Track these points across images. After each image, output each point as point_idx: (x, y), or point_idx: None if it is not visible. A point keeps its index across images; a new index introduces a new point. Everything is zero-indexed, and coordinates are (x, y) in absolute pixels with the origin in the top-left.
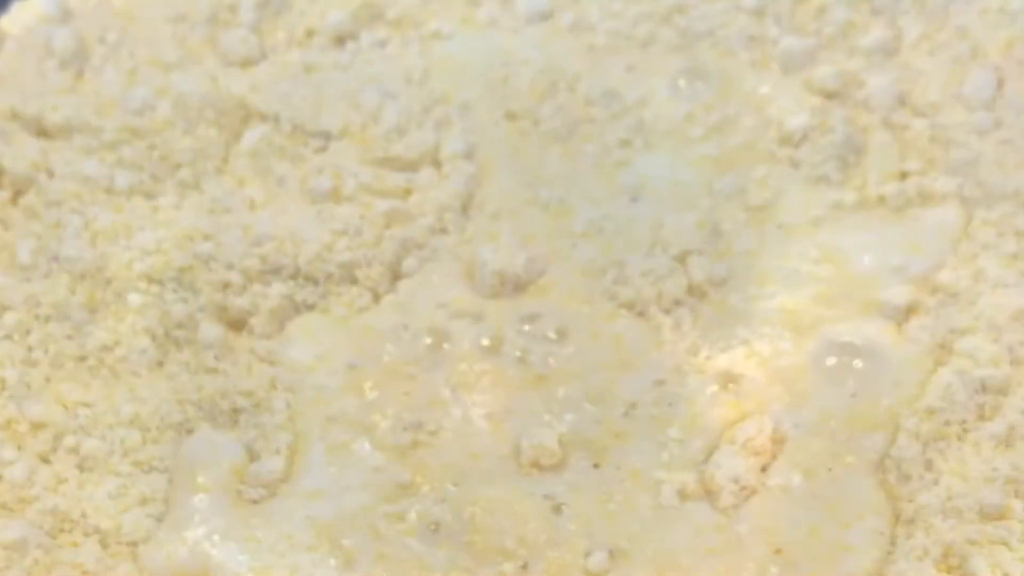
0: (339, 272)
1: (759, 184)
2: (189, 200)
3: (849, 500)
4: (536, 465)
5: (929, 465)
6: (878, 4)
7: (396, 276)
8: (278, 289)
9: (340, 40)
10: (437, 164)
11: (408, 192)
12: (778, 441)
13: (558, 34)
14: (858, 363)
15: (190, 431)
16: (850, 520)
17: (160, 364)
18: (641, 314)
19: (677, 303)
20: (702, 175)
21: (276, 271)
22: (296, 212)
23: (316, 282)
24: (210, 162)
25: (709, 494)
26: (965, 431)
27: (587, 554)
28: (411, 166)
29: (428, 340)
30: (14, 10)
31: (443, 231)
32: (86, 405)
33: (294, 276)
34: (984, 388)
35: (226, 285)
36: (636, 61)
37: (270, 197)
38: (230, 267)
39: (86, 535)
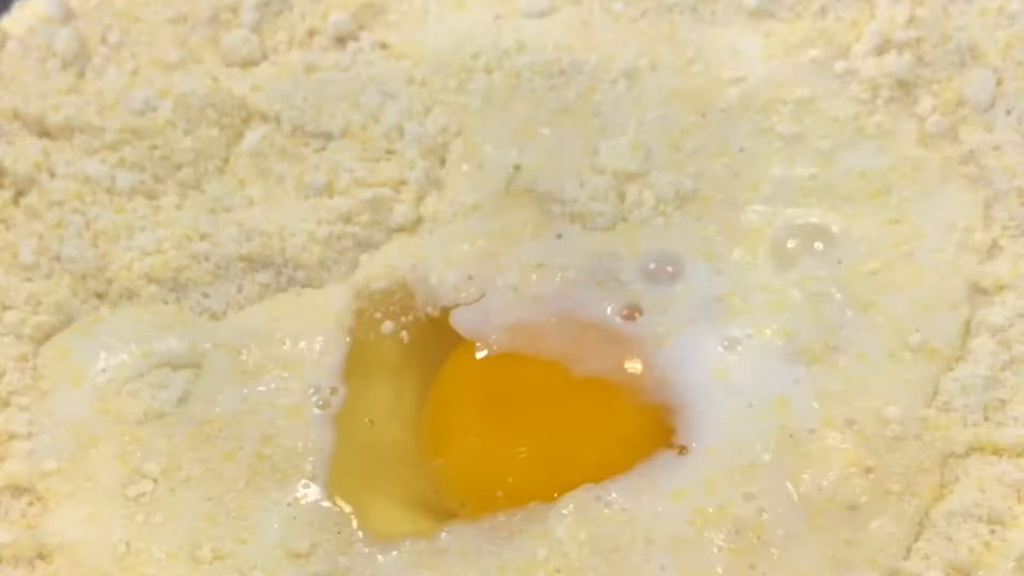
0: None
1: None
2: (190, 200)
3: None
4: None
5: (939, 471)
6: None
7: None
8: (261, 277)
9: (341, 40)
10: (440, 162)
11: (402, 183)
12: None
13: (560, 32)
14: None
15: None
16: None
17: None
18: None
19: None
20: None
21: (266, 266)
22: (290, 208)
23: (304, 268)
24: (211, 162)
25: None
26: (975, 435)
27: None
28: (410, 164)
29: None
30: (15, 10)
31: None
32: None
33: (282, 267)
34: (992, 392)
35: (216, 279)
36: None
37: (270, 197)
38: (226, 264)
39: None
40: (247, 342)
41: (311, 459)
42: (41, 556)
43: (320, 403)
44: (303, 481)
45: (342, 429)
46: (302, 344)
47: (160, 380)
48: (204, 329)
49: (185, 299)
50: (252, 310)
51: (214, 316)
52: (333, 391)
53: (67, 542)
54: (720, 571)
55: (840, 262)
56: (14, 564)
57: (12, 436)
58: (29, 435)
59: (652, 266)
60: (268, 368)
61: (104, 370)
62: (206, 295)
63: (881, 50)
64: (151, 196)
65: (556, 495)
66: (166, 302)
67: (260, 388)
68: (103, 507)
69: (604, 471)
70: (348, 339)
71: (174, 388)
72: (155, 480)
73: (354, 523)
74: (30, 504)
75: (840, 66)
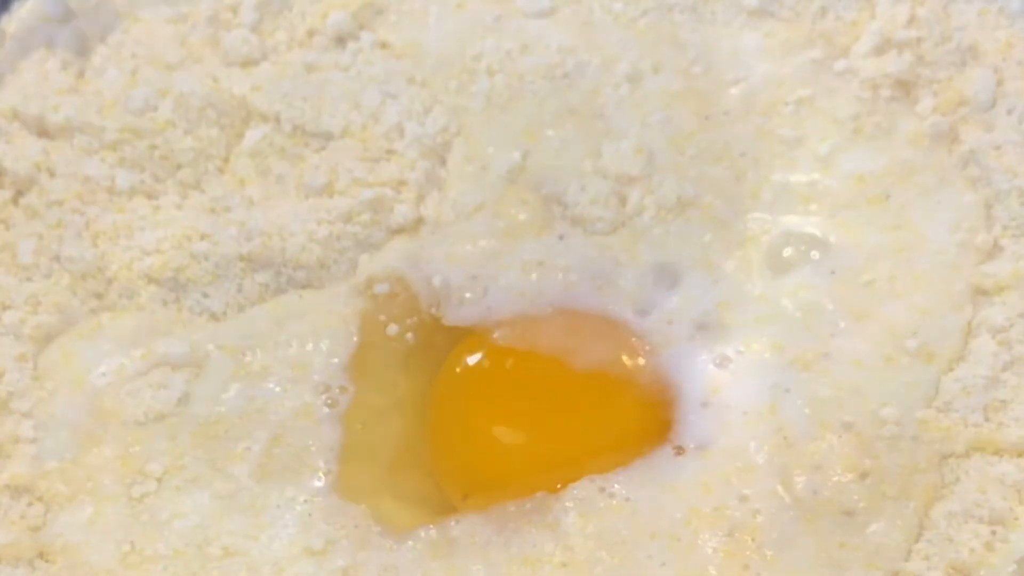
0: (320, 258)
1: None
2: (190, 200)
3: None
4: None
5: (938, 471)
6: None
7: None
8: (261, 278)
9: (341, 40)
10: (441, 162)
11: (402, 183)
12: None
13: (561, 34)
14: None
15: None
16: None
17: None
18: None
19: None
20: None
21: (265, 266)
22: (290, 208)
23: (304, 268)
24: (211, 162)
25: None
26: (976, 435)
27: None
28: (411, 165)
29: None
30: (15, 10)
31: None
32: None
33: (282, 267)
34: (993, 392)
35: (216, 279)
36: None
37: (270, 197)
38: (226, 264)
39: None
40: (251, 343)
41: (323, 457)
42: (42, 556)
43: (329, 402)
44: (317, 479)
45: (350, 428)
46: (309, 346)
47: (160, 380)
48: (205, 330)
49: (185, 299)
50: (253, 311)
51: (214, 316)
52: (343, 390)
53: (69, 542)
54: (714, 572)
55: (833, 272)
56: (14, 564)
57: (12, 437)
58: (30, 437)
59: (651, 274)
60: (274, 369)
61: (104, 373)
62: (206, 295)
63: (881, 50)
64: (151, 196)
65: (559, 486)
66: (166, 302)
67: (267, 388)
68: (106, 507)
69: (606, 463)
70: (355, 339)
71: (174, 388)
72: (159, 480)
73: (369, 518)
74: (30, 504)
75: (840, 66)
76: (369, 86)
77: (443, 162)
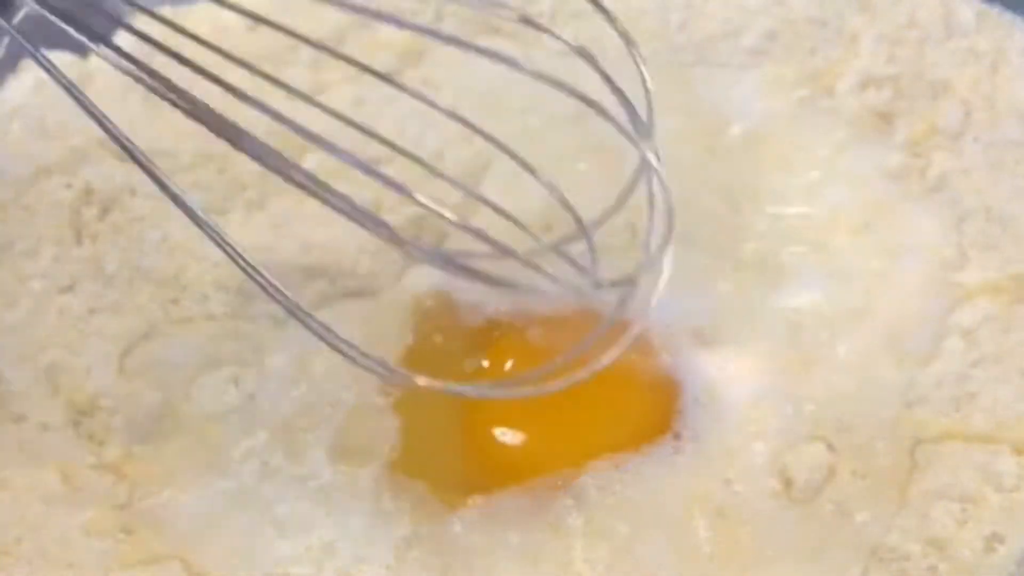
0: (370, 269)
1: None
2: (255, 218)
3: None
4: None
5: (913, 457)
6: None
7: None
8: (318, 286)
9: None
10: (477, 186)
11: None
12: None
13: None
14: None
15: None
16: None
17: None
18: None
19: None
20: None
21: (321, 275)
22: (342, 223)
23: (355, 277)
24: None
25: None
26: (948, 425)
27: None
28: (447, 188)
29: None
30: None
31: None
32: None
33: (336, 276)
34: (963, 386)
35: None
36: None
37: (325, 213)
38: (286, 274)
39: None
40: (311, 347)
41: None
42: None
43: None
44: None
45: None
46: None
47: (229, 379)
48: (269, 334)
49: (250, 307)
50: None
51: (277, 323)
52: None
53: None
54: (712, 569)
55: (824, 289)
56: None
57: (104, 426)
58: (118, 426)
59: (651, 287)
60: (333, 372)
61: (182, 371)
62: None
63: (864, 85)
64: (220, 213)
65: (560, 484)
66: (234, 309)
67: (325, 389)
68: (202, 491)
69: (605, 462)
70: (407, 343)
71: (243, 387)
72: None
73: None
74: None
75: (826, 103)
76: (411, 116)
77: (478, 186)
